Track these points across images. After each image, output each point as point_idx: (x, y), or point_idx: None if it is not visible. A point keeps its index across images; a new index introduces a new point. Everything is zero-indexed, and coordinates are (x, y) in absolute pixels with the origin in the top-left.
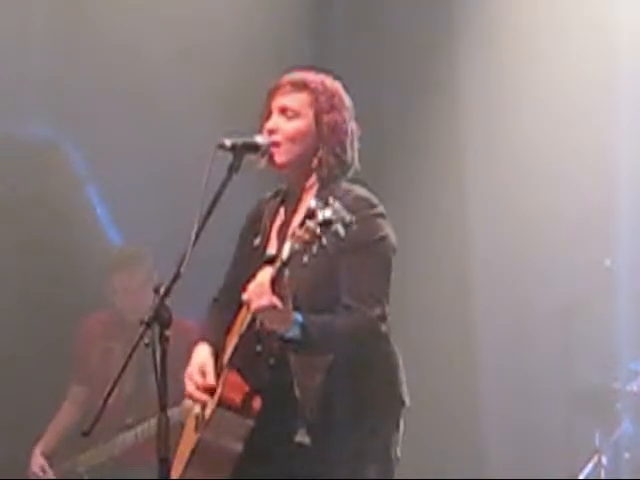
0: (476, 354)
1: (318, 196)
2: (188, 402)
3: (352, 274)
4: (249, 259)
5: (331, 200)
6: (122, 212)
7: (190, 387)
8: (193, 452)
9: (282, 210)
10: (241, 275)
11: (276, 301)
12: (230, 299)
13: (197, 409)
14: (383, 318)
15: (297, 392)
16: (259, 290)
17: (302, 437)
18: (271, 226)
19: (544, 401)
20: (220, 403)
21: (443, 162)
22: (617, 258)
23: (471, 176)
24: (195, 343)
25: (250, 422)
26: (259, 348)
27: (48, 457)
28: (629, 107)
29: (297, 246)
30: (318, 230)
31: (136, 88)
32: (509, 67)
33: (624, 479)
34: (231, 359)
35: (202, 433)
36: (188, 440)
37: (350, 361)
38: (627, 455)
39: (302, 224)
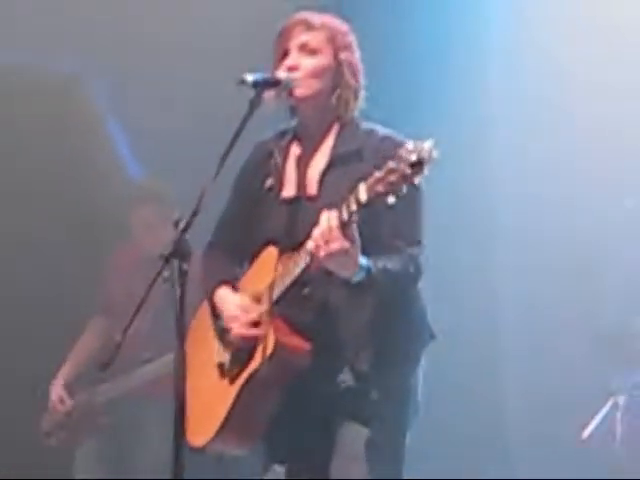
0: (494, 308)
1: (341, 135)
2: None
3: (392, 216)
4: (259, 201)
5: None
6: (144, 147)
7: (239, 328)
8: (239, 396)
9: (294, 149)
10: (246, 217)
11: (348, 245)
12: (232, 243)
13: (216, 357)
14: (421, 255)
15: (343, 333)
16: (329, 235)
17: (346, 376)
18: (283, 167)
19: (564, 343)
20: (274, 348)
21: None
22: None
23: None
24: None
25: (301, 365)
26: (306, 291)
27: (69, 386)
28: None
29: (381, 187)
30: (409, 171)
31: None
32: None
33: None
34: (276, 302)
35: (253, 377)
36: (210, 389)
37: (395, 298)
38: None
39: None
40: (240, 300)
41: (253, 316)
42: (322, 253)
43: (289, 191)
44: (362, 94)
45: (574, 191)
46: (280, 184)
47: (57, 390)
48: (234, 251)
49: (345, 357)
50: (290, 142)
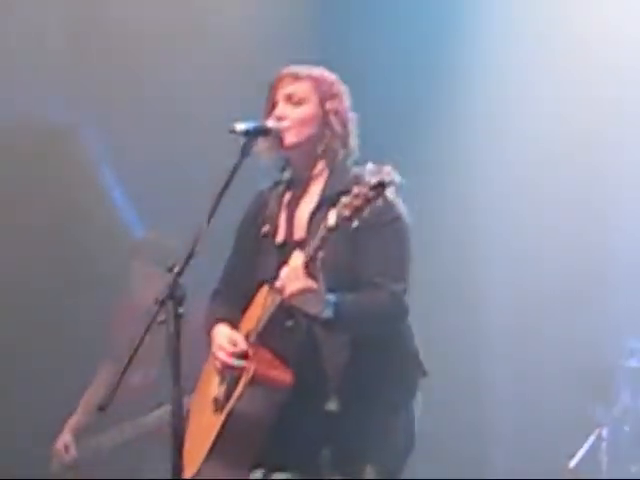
0: (479, 337)
1: (330, 180)
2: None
3: (376, 252)
4: (257, 247)
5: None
6: (139, 195)
7: (223, 357)
8: (223, 426)
9: (287, 198)
10: (247, 265)
11: (311, 284)
12: (234, 289)
13: (213, 392)
14: (405, 292)
15: (326, 366)
16: (293, 274)
17: (332, 406)
18: (277, 216)
19: (546, 380)
20: (254, 377)
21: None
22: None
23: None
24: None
25: (282, 395)
26: (290, 323)
27: (79, 433)
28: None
29: (347, 212)
30: (370, 193)
31: (151, 75)
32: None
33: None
34: (260, 335)
35: (235, 406)
36: (204, 423)
37: (378, 336)
38: (627, 428)
39: (346, 193)
40: (230, 333)
41: (240, 348)
42: (286, 292)
43: (281, 236)
44: (353, 141)
45: (561, 218)
46: (275, 230)
47: (64, 437)
48: (237, 296)
49: (330, 388)
50: (284, 190)
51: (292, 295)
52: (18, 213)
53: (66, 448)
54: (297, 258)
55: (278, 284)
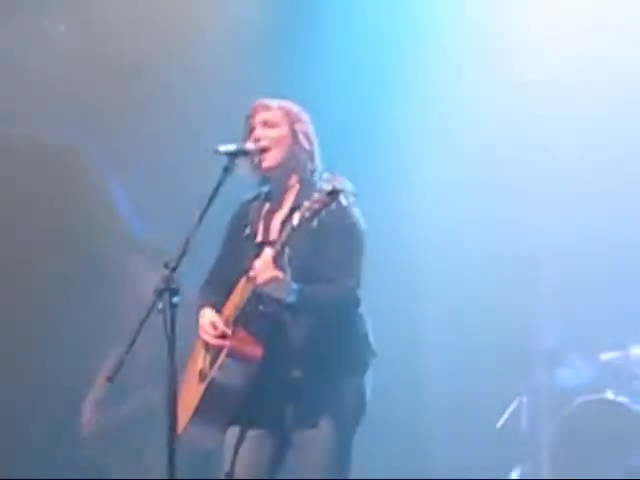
0: (418, 322)
1: (301, 193)
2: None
3: (333, 252)
4: (240, 247)
5: (337, 179)
6: (141, 205)
7: (206, 336)
8: (205, 392)
9: (265, 207)
10: (232, 261)
11: (278, 273)
12: (220, 280)
13: (199, 365)
14: (358, 286)
15: (292, 343)
16: (264, 266)
17: (296, 374)
18: (257, 221)
19: (477, 358)
20: (229, 352)
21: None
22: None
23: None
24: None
25: (254, 367)
26: (261, 307)
27: (99, 402)
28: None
29: (307, 214)
30: (327, 199)
31: (149, 97)
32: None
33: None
34: (237, 318)
35: (215, 375)
36: (191, 391)
37: (333, 320)
38: (542, 396)
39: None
40: (211, 317)
41: (220, 330)
42: (258, 281)
43: (259, 237)
44: (316, 159)
45: (499, 208)
46: (254, 232)
47: (89, 406)
48: (222, 286)
49: (295, 362)
50: (264, 200)
51: (262, 282)
52: (19, 231)
53: (91, 415)
54: (267, 253)
55: (251, 273)
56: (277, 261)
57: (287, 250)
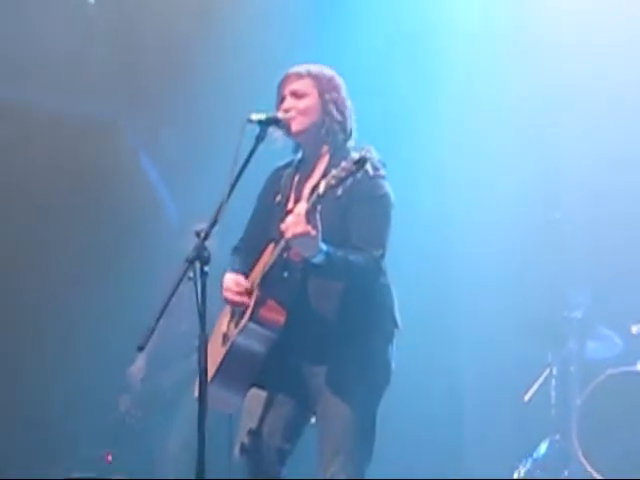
0: (450, 292)
1: (331, 163)
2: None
3: (361, 222)
4: (270, 213)
5: (364, 150)
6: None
7: (229, 294)
8: (226, 354)
9: (297, 175)
10: (263, 226)
11: (310, 229)
12: (250, 246)
13: (224, 329)
14: (383, 257)
15: (316, 311)
16: (296, 220)
17: (322, 343)
18: (289, 188)
19: (507, 329)
20: (252, 317)
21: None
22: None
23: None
24: None
25: (274, 334)
26: (285, 274)
27: (139, 375)
28: None
29: (333, 181)
30: (353, 167)
31: (181, 70)
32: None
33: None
34: (261, 282)
35: (236, 338)
36: (215, 354)
37: (358, 289)
38: (572, 368)
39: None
40: (235, 277)
41: (243, 286)
42: (289, 234)
43: (290, 204)
44: (351, 126)
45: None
46: (286, 199)
47: (137, 363)
48: (250, 253)
49: (318, 330)
50: (296, 168)
51: (294, 235)
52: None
53: (138, 369)
54: (301, 207)
55: (282, 226)
56: (310, 218)
57: (319, 207)
